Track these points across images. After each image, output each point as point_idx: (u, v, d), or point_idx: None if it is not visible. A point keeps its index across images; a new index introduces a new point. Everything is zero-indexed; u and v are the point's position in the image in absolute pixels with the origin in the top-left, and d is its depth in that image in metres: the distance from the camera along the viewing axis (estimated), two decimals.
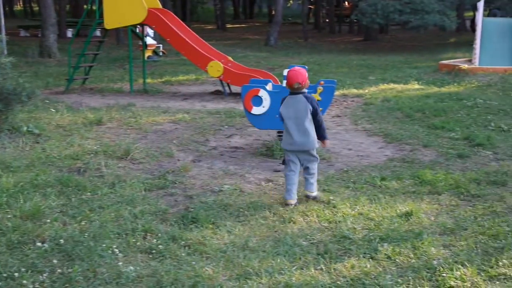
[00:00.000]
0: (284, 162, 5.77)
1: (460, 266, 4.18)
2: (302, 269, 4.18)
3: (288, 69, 7.28)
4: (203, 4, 59.04)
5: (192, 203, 5.50)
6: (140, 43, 15.61)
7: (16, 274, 3.96)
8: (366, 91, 12.67)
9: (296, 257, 4.35)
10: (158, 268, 4.13)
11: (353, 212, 5.31)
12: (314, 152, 5.64)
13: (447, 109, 10.25)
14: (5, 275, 3.96)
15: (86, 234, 4.68)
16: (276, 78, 11.23)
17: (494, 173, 6.49)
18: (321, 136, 5.66)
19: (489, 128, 8.82)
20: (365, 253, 4.43)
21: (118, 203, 5.44)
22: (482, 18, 15.84)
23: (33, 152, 7.24)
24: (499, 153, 7.48)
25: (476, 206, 5.50)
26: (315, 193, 5.67)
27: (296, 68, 5.79)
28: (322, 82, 7.28)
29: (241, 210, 5.32)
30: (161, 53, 20.67)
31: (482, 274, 4.09)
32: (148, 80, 14.10)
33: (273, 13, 35.40)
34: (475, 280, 4.00)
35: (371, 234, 4.78)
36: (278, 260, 4.28)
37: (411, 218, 5.15)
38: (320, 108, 7.06)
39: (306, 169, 5.67)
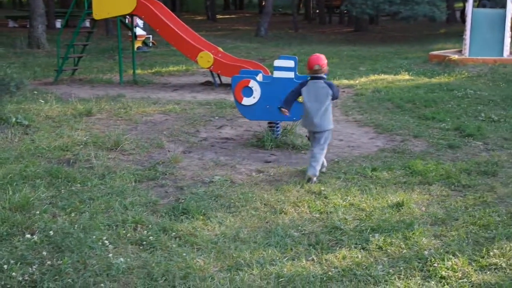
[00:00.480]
0: (309, 139, 6.33)
1: (451, 256, 4.19)
2: (293, 260, 4.17)
3: (278, 59, 7.30)
4: None
5: (182, 194, 5.47)
6: (130, 33, 15.51)
7: (5, 266, 3.92)
8: (357, 82, 12.66)
9: (288, 248, 4.34)
10: (149, 260, 4.11)
11: (344, 202, 5.31)
12: (330, 133, 6.20)
13: (438, 99, 10.26)
14: None
15: (76, 225, 4.64)
16: (267, 69, 11.21)
17: (485, 164, 6.50)
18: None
19: (480, 119, 8.84)
20: (356, 244, 4.43)
21: (108, 195, 5.40)
22: (472, 9, 15.86)
23: (22, 143, 7.18)
24: (489, 143, 7.50)
25: (467, 197, 5.52)
26: (313, 175, 5.92)
27: (316, 54, 6.32)
28: None
29: (232, 201, 5.30)
30: (151, 44, 20.53)
31: (473, 264, 4.10)
32: (138, 71, 14.01)
33: (263, 3, 35.29)
34: (466, 270, 4.01)
35: (362, 225, 4.79)
36: (270, 251, 4.28)
37: (402, 208, 5.15)
38: None
39: (311, 151, 6.11)
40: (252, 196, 5.42)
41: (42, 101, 9.76)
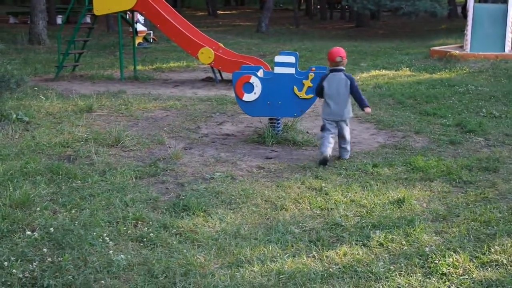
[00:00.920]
0: (322, 129, 6.58)
1: (452, 252, 4.19)
2: (294, 256, 4.16)
3: (279, 55, 7.29)
4: None
5: (183, 191, 5.47)
6: (131, 29, 15.48)
7: (5, 263, 3.92)
8: (358, 77, 12.62)
9: (288, 245, 4.34)
10: (149, 256, 4.10)
11: (345, 199, 5.30)
12: (348, 121, 6.61)
13: (439, 95, 10.24)
14: None
15: (77, 222, 4.64)
16: (268, 65, 11.19)
17: (486, 160, 6.49)
18: (362, 105, 6.59)
19: (481, 115, 8.82)
20: (357, 240, 4.42)
21: (109, 191, 5.40)
22: (473, 4, 15.81)
23: (22, 139, 7.18)
24: (490, 139, 7.49)
25: (468, 193, 5.51)
26: (347, 157, 6.58)
27: (336, 47, 6.83)
28: (313, 68, 7.24)
29: (232, 197, 5.30)
30: (151, 40, 20.52)
31: (474, 261, 4.09)
32: (139, 67, 14.00)
33: None
34: (467, 266, 4.01)
35: (363, 221, 4.78)
36: (270, 248, 4.27)
37: (403, 205, 5.14)
38: (312, 95, 7.10)
39: (342, 138, 6.54)
40: (252, 193, 5.42)
41: (43, 98, 9.76)
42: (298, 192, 5.49)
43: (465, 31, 15.62)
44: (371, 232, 4.55)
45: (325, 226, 4.70)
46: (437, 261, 4.06)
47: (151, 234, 4.45)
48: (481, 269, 3.98)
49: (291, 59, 7.20)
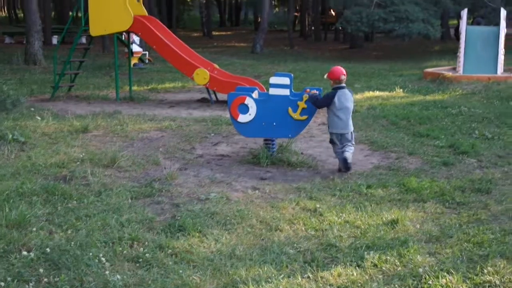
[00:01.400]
0: (332, 142, 7.20)
1: (445, 273, 4.22)
2: (289, 277, 4.19)
3: (274, 76, 7.37)
4: (189, 11, 59.09)
5: (178, 211, 5.50)
6: (126, 50, 15.58)
7: (2, 283, 3.93)
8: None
9: (283, 265, 4.37)
10: (145, 277, 4.12)
11: (340, 220, 5.34)
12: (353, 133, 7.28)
13: (432, 117, 10.34)
14: None
15: (73, 242, 4.66)
16: (263, 86, 11.27)
17: (479, 181, 6.55)
18: None
19: (474, 136, 8.91)
20: (351, 261, 4.45)
21: (105, 212, 5.42)
22: (466, 27, 16.01)
23: (18, 160, 7.20)
24: (483, 160, 7.56)
25: (461, 214, 5.56)
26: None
27: (337, 66, 7.29)
28: (308, 90, 7.32)
29: (227, 218, 5.33)
30: (147, 61, 20.63)
31: (468, 282, 4.13)
32: (134, 88, 14.06)
33: (259, 20, 35.52)
34: (461, 287, 4.04)
35: (357, 242, 4.82)
36: (265, 268, 4.30)
37: (396, 226, 5.19)
38: (306, 116, 7.18)
39: (345, 147, 7.04)
40: (247, 213, 5.45)
41: (39, 118, 9.79)
42: (293, 213, 5.53)
43: (458, 53, 15.79)
44: (365, 253, 4.59)
45: (319, 247, 4.73)
46: (430, 282, 4.09)
47: (147, 255, 4.47)
48: None
49: (286, 80, 7.28)
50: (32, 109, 10.75)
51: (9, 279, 4.00)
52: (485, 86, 13.90)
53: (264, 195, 6.11)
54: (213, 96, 12.64)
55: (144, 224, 5.16)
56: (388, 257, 4.51)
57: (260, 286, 4.03)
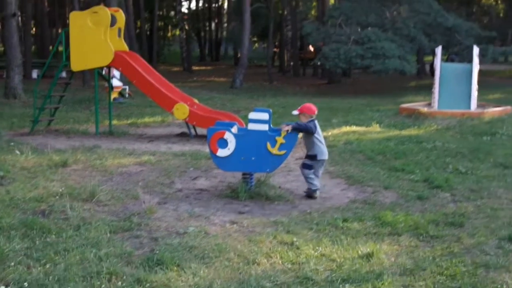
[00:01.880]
0: (309, 168, 7.63)
1: None
2: None
3: (253, 112, 7.51)
4: (170, 46, 59.48)
5: (157, 245, 5.54)
6: (106, 84, 15.67)
7: None
8: (329, 133, 12.89)
9: None
10: None
11: (316, 253, 5.42)
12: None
13: (407, 151, 10.53)
14: None
15: (51, 277, 4.68)
16: (242, 121, 11.39)
17: (452, 215, 6.70)
18: None
19: (447, 171, 9.09)
20: None
21: (83, 246, 5.45)
22: (441, 63, 16.41)
23: None
24: (456, 194, 7.72)
25: (434, 247, 5.67)
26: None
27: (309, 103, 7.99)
28: (284, 125, 7.47)
29: (206, 252, 5.38)
30: (127, 95, 20.72)
31: None
32: (114, 122, 14.12)
33: (239, 55, 35.89)
34: None
35: (333, 275, 4.90)
36: None
37: (372, 259, 5.28)
38: (284, 151, 7.30)
39: (316, 172, 7.67)
40: (225, 247, 5.51)
41: (18, 152, 9.81)
42: (270, 246, 5.60)
43: (433, 89, 16.14)
44: (341, 286, 4.67)
45: (296, 280, 4.80)
46: None
47: None
48: None
49: (265, 116, 7.43)
50: (12, 143, 10.77)
51: None
52: (459, 122, 14.20)
53: (242, 229, 6.18)
54: (192, 130, 12.74)
55: (122, 258, 5.19)
56: None
57: None
